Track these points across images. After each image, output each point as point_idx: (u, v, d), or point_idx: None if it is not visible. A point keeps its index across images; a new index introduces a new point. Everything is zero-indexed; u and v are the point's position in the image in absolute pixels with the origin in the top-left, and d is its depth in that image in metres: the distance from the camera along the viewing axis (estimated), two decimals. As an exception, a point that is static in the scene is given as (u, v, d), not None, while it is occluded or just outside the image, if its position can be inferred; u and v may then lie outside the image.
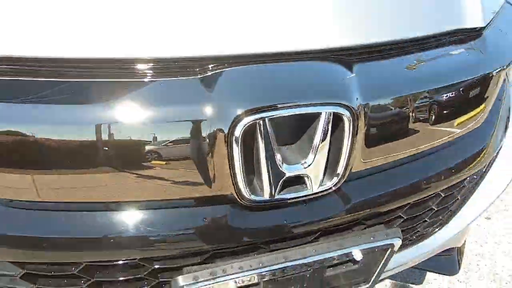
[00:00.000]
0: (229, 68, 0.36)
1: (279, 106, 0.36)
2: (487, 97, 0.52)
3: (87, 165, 0.35)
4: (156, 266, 0.42)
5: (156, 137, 0.34)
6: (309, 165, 0.38)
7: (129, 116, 0.34)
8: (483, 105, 0.52)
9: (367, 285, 0.56)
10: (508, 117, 0.68)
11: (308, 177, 0.39)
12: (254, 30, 0.38)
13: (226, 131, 0.34)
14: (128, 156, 0.35)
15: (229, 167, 0.36)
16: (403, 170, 0.49)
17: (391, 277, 1.07)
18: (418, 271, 1.02)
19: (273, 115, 0.35)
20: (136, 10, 0.35)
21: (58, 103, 0.34)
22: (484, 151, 0.56)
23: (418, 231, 0.60)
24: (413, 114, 0.44)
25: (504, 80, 0.59)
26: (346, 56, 0.41)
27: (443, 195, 0.56)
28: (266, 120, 0.35)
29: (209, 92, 0.35)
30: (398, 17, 0.45)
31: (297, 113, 0.36)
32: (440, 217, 0.61)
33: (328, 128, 0.37)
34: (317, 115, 0.37)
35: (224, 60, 0.37)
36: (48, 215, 0.38)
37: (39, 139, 0.33)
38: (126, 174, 0.35)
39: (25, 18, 0.33)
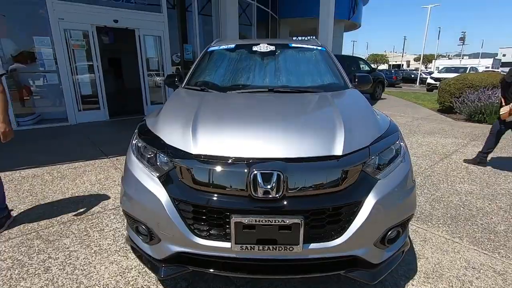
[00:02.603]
0: (255, 162, 1.42)
1: (266, 171, 1.39)
2: (342, 180, 1.42)
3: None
4: (227, 213, 1.40)
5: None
6: (270, 188, 1.36)
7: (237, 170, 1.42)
8: (339, 183, 1.41)
9: (298, 246, 1.39)
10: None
11: (270, 191, 1.36)
12: (262, 151, 1.46)
13: (248, 177, 1.38)
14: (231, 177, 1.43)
15: (248, 188, 1.38)
16: (306, 198, 1.40)
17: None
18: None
19: (263, 172, 1.38)
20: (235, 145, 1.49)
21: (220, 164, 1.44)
22: (340, 200, 1.40)
23: (322, 230, 1.42)
24: (302, 181, 1.40)
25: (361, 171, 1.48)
26: (284, 160, 1.42)
27: (329, 212, 1.40)
28: (260, 174, 1.37)
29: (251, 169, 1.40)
30: (301, 149, 1.46)
31: (269, 172, 1.38)
32: (333, 227, 1.42)
33: (275, 177, 1.36)
34: (272, 173, 1.37)
35: (253, 159, 1.44)
36: (202, 193, 1.44)
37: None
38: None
39: (210, 139, 1.50)
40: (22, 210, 2.89)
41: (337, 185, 1.43)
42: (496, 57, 65.06)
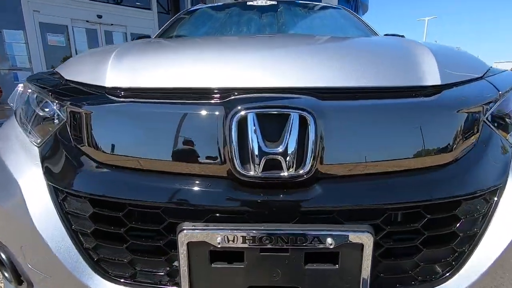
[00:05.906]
0: (243, 98, 0.57)
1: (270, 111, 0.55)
2: (451, 139, 0.59)
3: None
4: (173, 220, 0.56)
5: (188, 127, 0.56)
6: (281, 152, 0.52)
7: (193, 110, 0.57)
8: (446, 146, 0.58)
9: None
10: None
11: (282, 160, 0.52)
12: (261, 75, 0.63)
13: (225, 127, 0.53)
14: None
15: (225, 154, 0.54)
16: (375, 179, 0.57)
17: None
18: None
19: (260, 111, 0.54)
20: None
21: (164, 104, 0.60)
22: (451, 185, 0.58)
23: (411, 262, 0.57)
24: (362, 141, 0.56)
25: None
26: (314, 92, 0.58)
27: (428, 216, 0.56)
28: (255, 115, 0.53)
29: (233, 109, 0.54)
30: (353, 74, 0.63)
31: (278, 112, 0.54)
32: (440, 253, 0.58)
33: (295, 124, 0.52)
34: (289, 117, 0.53)
35: (239, 90, 0.60)
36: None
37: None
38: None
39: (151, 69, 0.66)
40: None
41: (441, 150, 0.59)
42: (493, 70, 65.68)
